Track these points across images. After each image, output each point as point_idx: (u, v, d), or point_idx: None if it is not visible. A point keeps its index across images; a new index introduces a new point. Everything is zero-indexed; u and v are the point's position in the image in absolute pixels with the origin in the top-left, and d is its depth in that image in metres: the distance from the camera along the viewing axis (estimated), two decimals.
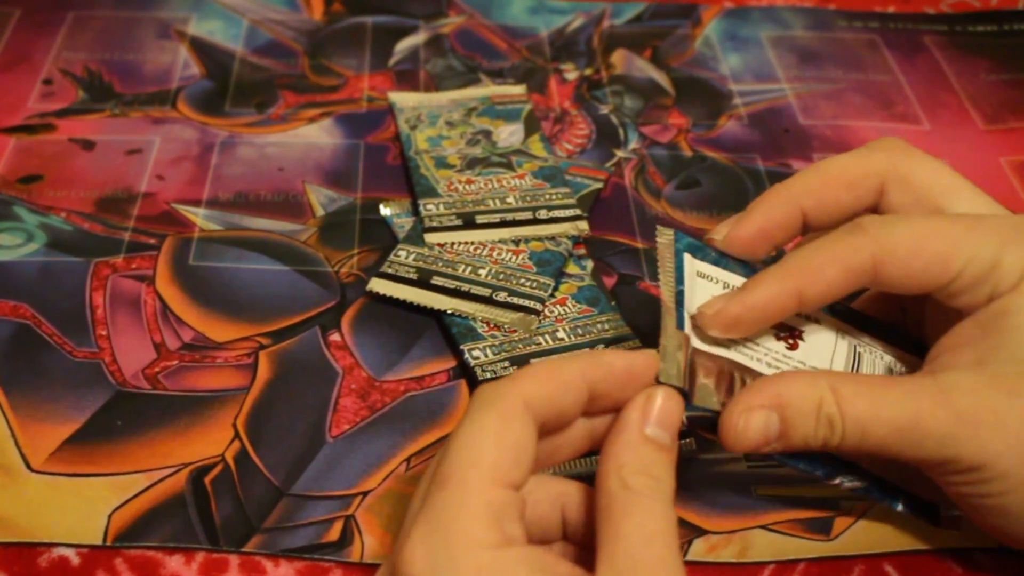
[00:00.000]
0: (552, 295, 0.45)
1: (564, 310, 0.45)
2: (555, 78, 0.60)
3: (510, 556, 0.28)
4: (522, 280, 0.45)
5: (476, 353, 0.42)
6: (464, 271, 0.46)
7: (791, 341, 0.37)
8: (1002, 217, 0.36)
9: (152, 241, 0.48)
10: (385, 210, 0.50)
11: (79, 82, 0.57)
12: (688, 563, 0.37)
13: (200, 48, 0.60)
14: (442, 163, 0.51)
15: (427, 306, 0.44)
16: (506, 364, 0.42)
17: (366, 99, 0.57)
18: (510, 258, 0.46)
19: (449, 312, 0.44)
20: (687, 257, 0.37)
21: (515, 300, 0.44)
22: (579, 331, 0.44)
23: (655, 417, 0.31)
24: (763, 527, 0.38)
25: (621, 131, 0.56)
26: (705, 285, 0.36)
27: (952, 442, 0.33)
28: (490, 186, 0.50)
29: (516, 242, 0.47)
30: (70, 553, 0.36)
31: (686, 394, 0.33)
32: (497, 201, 0.49)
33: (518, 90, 0.58)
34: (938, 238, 0.34)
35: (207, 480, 0.38)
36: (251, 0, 0.64)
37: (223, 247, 0.48)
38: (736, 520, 0.38)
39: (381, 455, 0.40)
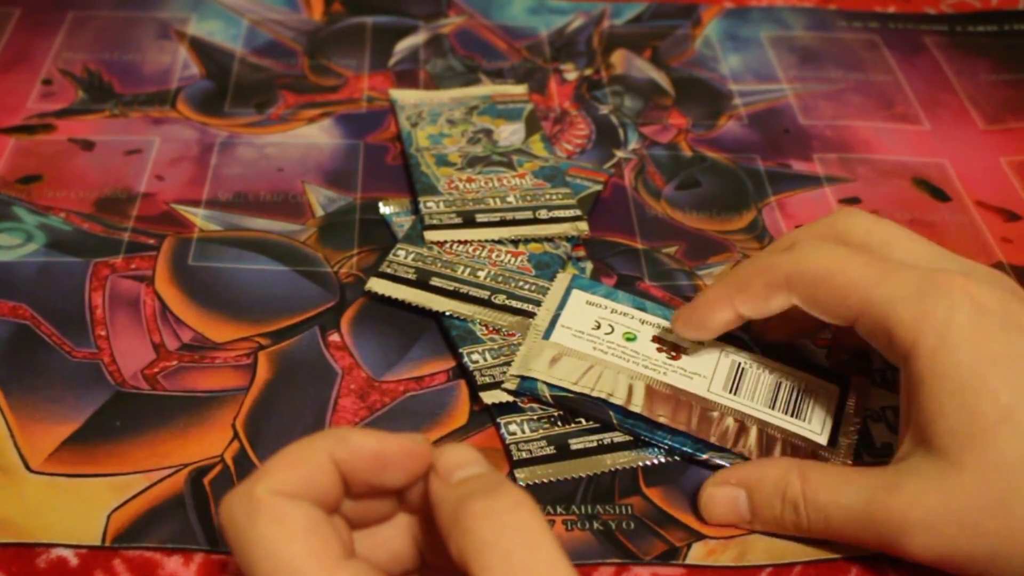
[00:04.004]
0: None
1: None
2: (555, 78, 0.60)
3: None
4: (521, 283, 0.45)
5: (475, 357, 0.42)
6: (463, 272, 0.45)
7: (673, 354, 0.42)
8: (917, 270, 0.35)
9: (151, 241, 0.48)
10: (384, 208, 0.50)
11: (79, 82, 0.57)
12: (687, 567, 0.37)
13: (200, 48, 0.60)
14: (443, 161, 0.51)
15: (425, 307, 0.44)
16: (504, 369, 0.42)
17: (366, 99, 0.57)
18: (509, 260, 0.46)
19: (447, 314, 0.44)
20: (575, 292, 0.44)
21: (513, 303, 0.44)
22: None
23: (454, 464, 0.30)
24: (760, 531, 0.38)
25: (621, 131, 0.56)
26: (593, 309, 0.44)
27: (906, 535, 0.33)
28: (490, 185, 0.50)
29: (515, 243, 0.47)
30: (68, 554, 0.36)
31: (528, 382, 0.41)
32: (497, 200, 0.49)
33: (519, 90, 0.58)
34: (845, 275, 0.35)
35: (206, 481, 0.38)
36: (251, 0, 0.64)
37: (222, 247, 0.48)
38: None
39: None
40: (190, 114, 0.56)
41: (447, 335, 0.44)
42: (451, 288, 0.45)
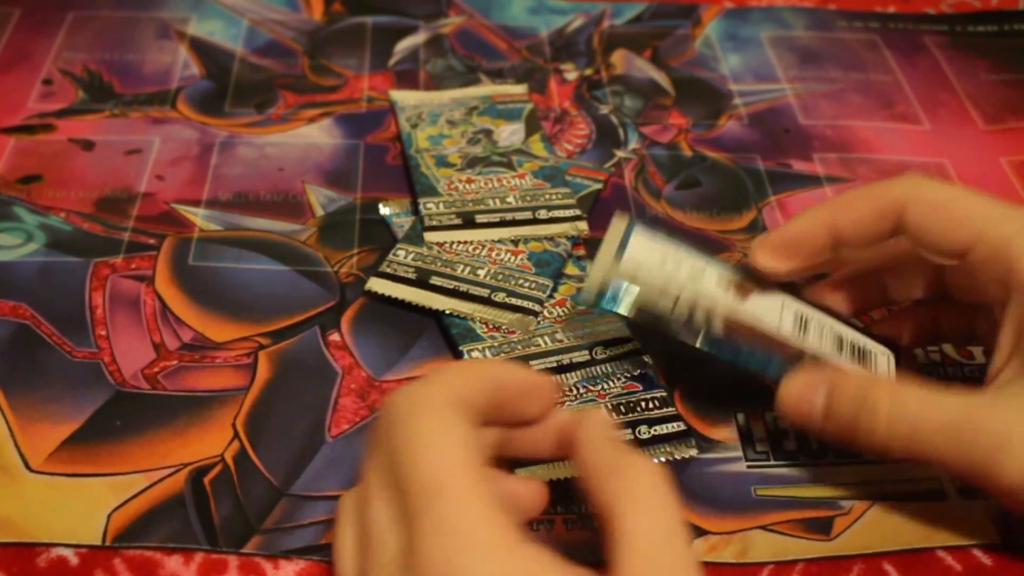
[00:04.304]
0: (551, 296, 0.45)
1: (563, 311, 0.45)
2: (555, 78, 0.60)
3: (531, 553, 0.27)
4: (520, 281, 0.45)
5: (475, 355, 0.42)
6: (463, 271, 0.46)
7: (740, 294, 0.39)
8: None
9: (152, 241, 0.48)
10: (384, 209, 0.50)
11: (79, 82, 0.57)
12: None
13: (200, 48, 0.60)
14: (443, 162, 0.51)
15: (426, 306, 0.44)
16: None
17: (366, 99, 0.57)
18: (509, 259, 0.46)
19: (448, 312, 0.44)
20: (636, 233, 0.40)
21: (513, 301, 0.44)
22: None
23: (601, 425, 0.31)
24: (763, 527, 0.38)
25: (621, 131, 0.56)
26: (656, 248, 0.40)
27: (1003, 451, 0.33)
28: (490, 185, 0.50)
29: (515, 242, 0.47)
30: (69, 553, 0.36)
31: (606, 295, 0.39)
32: (497, 201, 0.49)
33: (519, 90, 0.58)
34: (963, 203, 0.36)
35: (206, 480, 0.38)
36: (251, 0, 0.64)
37: (223, 247, 0.48)
38: (736, 521, 0.38)
39: None
40: (190, 114, 0.56)
41: (447, 334, 0.44)
42: (451, 287, 0.45)
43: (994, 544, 0.38)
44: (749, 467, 0.40)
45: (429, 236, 0.47)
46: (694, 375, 0.44)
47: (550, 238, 0.48)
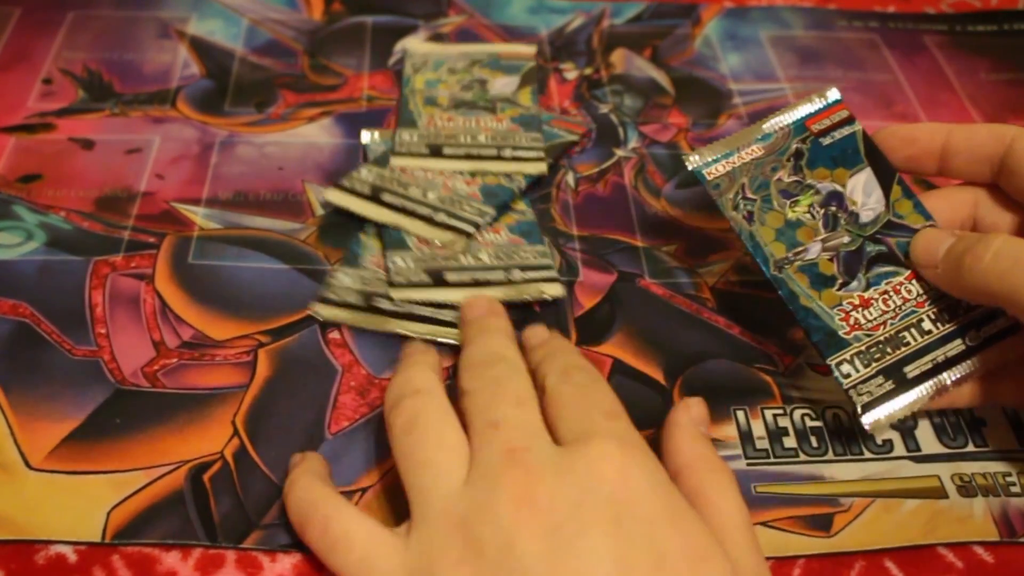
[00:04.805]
0: (491, 223, 0.47)
1: (496, 237, 0.47)
2: (555, 78, 0.60)
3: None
4: (465, 206, 0.47)
5: (398, 261, 0.45)
6: (414, 192, 0.48)
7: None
8: None
9: (151, 240, 0.48)
10: (365, 136, 0.53)
11: (79, 82, 0.57)
12: None
13: (200, 48, 0.60)
14: (431, 102, 0.54)
15: (371, 219, 0.48)
16: (424, 277, 0.45)
17: (366, 98, 0.57)
18: (461, 187, 0.49)
19: (388, 226, 0.47)
20: None
21: (452, 222, 0.47)
22: (501, 256, 0.46)
23: (700, 419, 0.38)
24: (763, 524, 0.38)
25: (621, 130, 0.56)
26: None
27: None
28: (467, 125, 0.52)
29: (473, 174, 0.49)
30: (67, 550, 0.36)
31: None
32: (468, 137, 0.52)
33: (528, 50, 0.60)
34: None
35: (206, 477, 0.38)
36: (251, 0, 0.64)
37: (222, 246, 0.48)
38: None
39: (380, 452, 0.40)
40: (190, 113, 0.56)
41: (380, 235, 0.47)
42: (399, 204, 0.48)
43: (994, 541, 0.38)
44: (748, 465, 0.40)
45: (395, 160, 0.50)
46: (694, 373, 0.44)
47: (507, 175, 0.50)
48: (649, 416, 0.42)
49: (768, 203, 0.42)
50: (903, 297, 0.40)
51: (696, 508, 0.33)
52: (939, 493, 0.40)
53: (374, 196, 0.48)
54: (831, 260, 0.41)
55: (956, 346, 0.39)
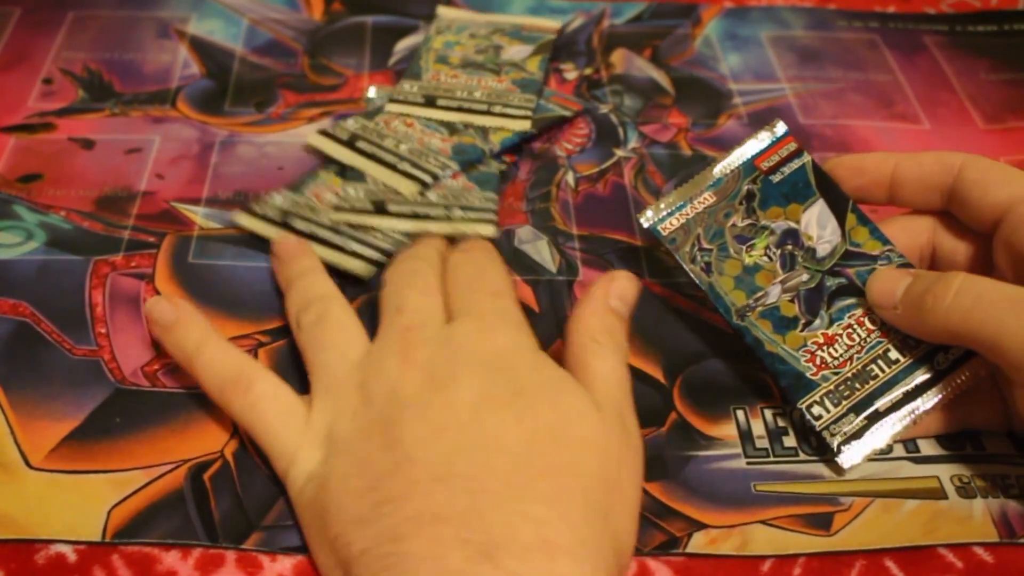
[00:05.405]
0: (449, 176, 0.50)
1: (452, 183, 0.49)
2: (555, 77, 0.60)
3: None
4: (431, 159, 0.49)
5: (351, 191, 0.48)
6: (388, 143, 0.51)
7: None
8: None
9: (152, 239, 0.48)
10: (371, 91, 0.56)
11: (79, 81, 0.57)
12: (689, 556, 0.37)
13: (200, 47, 0.60)
14: (442, 60, 0.57)
15: (342, 161, 0.50)
16: (367, 204, 0.47)
17: (366, 99, 0.57)
18: (435, 143, 0.51)
19: (356, 168, 0.50)
20: None
21: (412, 170, 0.49)
22: (449, 197, 0.48)
23: (616, 293, 0.39)
24: (763, 522, 0.38)
25: (621, 130, 0.56)
26: None
27: None
28: (468, 82, 0.55)
29: (451, 132, 0.52)
30: (67, 550, 0.36)
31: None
32: (465, 92, 0.54)
33: (553, 24, 0.62)
34: (1014, 171, 0.40)
35: (206, 477, 0.38)
36: (251, 0, 0.64)
37: (222, 245, 0.48)
38: (736, 515, 0.38)
39: None
40: (190, 113, 0.56)
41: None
42: (371, 152, 0.50)
43: (994, 542, 0.38)
44: (749, 463, 0.40)
45: (391, 107, 0.53)
46: (693, 373, 0.44)
47: (484, 135, 0.52)
48: (650, 415, 0.42)
49: (725, 251, 0.42)
50: (867, 328, 0.40)
51: (574, 374, 0.37)
52: (939, 494, 0.40)
53: (350, 143, 0.51)
54: (792, 301, 0.41)
55: (925, 372, 0.39)
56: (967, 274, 0.37)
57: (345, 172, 0.50)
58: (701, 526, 0.38)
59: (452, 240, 0.46)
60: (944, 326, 0.37)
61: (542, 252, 0.49)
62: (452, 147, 0.51)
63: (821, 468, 0.40)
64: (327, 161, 0.51)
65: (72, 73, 0.58)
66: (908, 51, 0.64)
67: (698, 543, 0.37)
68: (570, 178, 0.53)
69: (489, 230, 0.47)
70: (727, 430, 0.42)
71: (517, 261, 0.48)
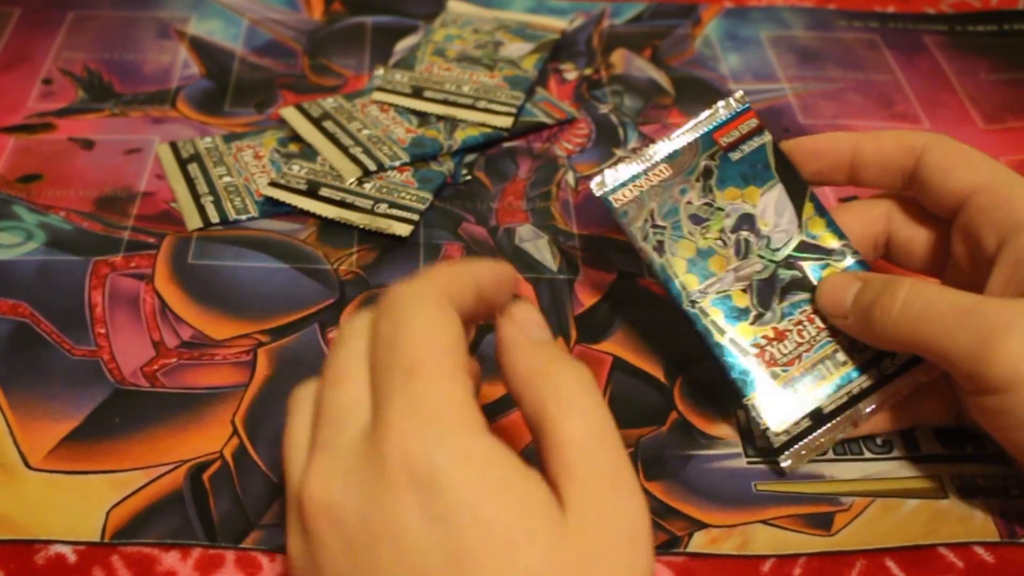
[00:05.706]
0: (394, 165, 0.50)
1: (395, 176, 0.50)
2: (555, 78, 0.60)
3: (494, 442, 0.28)
4: (384, 148, 0.50)
5: (295, 168, 0.50)
6: (353, 126, 0.52)
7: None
8: None
9: (151, 240, 0.48)
10: (379, 72, 0.57)
11: (79, 82, 0.57)
12: (690, 555, 0.37)
13: (200, 48, 0.60)
14: (439, 53, 0.57)
15: (305, 138, 0.52)
16: (302, 184, 0.49)
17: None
18: (399, 132, 0.52)
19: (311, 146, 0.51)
20: None
21: (361, 156, 0.50)
22: (383, 190, 0.49)
23: (526, 327, 0.32)
24: (763, 522, 0.38)
25: (621, 130, 0.56)
26: None
27: (1005, 329, 0.33)
28: (460, 76, 0.55)
29: (420, 123, 0.53)
30: (67, 550, 0.36)
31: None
32: (454, 86, 0.54)
33: (558, 23, 0.62)
34: (978, 155, 0.39)
35: (205, 477, 0.38)
36: (251, 0, 0.64)
37: (222, 245, 0.48)
38: (736, 515, 0.38)
39: None
40: (190, 113, 0.56)
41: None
42: (331, 132, 0.52)
43: (995, 541, 0.38)
44: (749, 463, 0.40)
45: (378, 95, 0.54)
46: (694, 372, 0.44)
47: (451, 131, 0.52)
48: (651, 414, 0.42)
49: (679, 231, 0.40)
50: (817, 327, 0.40)
51: (540, 434, 0.29)
52: (939, 494, 0.40)
53: (317, 121, 0.52)
54: (745, 291, 0.40)
55: (871, 376, 0.39)
56: (913, 281, 0.36)
57: (287, 142, 0.52)
58: (702, 526, 0.38)
59: (370, 233, 0.48)
60: (892, 336, 0.36)
61: (542, 251, 0.49)
62: (412, 138, 0.51)
63: (822, 468, 0.40)
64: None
65: (72, 73, 0.58)
66: (908, 51, 0.64)
67: (699, 543, 0.37)
68: (570, 178, 0.53)
69: (403, 229, 0.47)
70: (728, 430, 0.42)
71: (518, 259, 0.48)
